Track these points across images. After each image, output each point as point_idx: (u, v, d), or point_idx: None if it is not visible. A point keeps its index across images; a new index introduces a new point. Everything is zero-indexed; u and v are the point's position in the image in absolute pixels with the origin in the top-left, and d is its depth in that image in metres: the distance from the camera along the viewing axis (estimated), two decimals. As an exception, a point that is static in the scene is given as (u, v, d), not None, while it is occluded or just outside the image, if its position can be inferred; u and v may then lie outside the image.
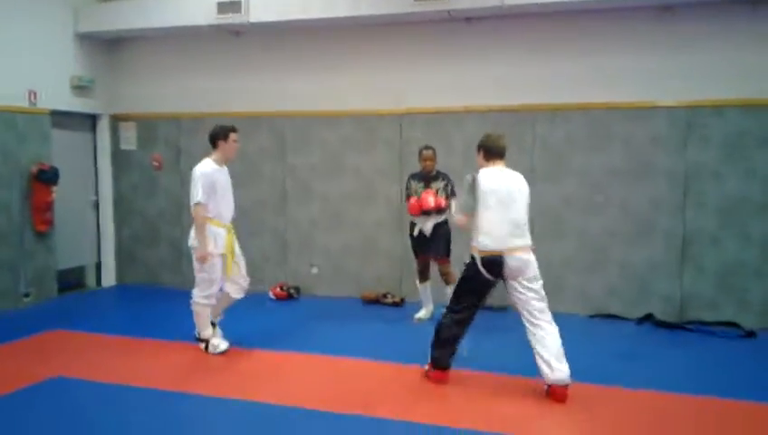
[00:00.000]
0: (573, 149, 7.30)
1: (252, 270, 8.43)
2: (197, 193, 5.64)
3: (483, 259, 4.83)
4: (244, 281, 6.10)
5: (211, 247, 5.72)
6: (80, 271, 8.91)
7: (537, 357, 4.85)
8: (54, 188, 7.82)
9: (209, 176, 5.69)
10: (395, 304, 7.63)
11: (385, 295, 7.75)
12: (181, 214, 8.77)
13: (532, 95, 7.36)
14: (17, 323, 7.05)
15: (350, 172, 8.08)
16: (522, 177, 5.02)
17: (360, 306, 7.73)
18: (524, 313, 4.91)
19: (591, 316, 7.31)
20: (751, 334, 6.57)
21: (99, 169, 9.02)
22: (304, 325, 6.92)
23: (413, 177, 7.02)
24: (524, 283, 4.85)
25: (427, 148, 6.92)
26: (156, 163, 8.82)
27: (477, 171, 4.94)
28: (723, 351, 6.19)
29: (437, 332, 5.13)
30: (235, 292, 6.07)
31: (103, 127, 8.99)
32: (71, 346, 6.24)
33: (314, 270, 8.27)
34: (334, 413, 4.64)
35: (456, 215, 5.20)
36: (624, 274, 7.24)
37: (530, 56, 7.36)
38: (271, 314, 6.64)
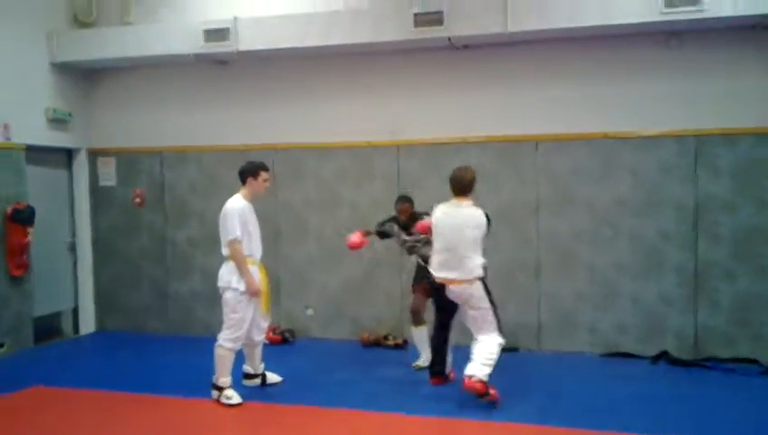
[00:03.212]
0: (579, 180, 7.04)
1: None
2: (234, 229, 5.52)
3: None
4: (265, 322, 5.94)
5: (258, 282, 5.59)
6: (56, 317, 8.36)
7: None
8: (30, 230, 7.32)
9: (242, 211, 5.59)
10: (397, 347, 7.24)
11: (386, 337, 7.37)
12: (165, 253, 8.31)
13: (535, 125, 7.09)
14: (-7, 377, 6.50)
15: (346, 207, 7.71)
16: (474, 213, 5.52)
17: (359, 350, 7.32)
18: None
19: (603, 355, 7.00)
20: (771, 371, 6.35)
21: (76, 208, 8.51)
22: (306, 374, 6.49)
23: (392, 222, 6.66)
24: (467, 307, 5.57)
25: (401, 199, 6.65)
26: (138, 200, 8.35)
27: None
28: (746, 390, 5.92)
29: None
30: (258, 334, 5.89)
31: (80, 162, 8.52)
32: (55, 405, 5.71)
33: (309, 312, 7.86)
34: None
35: None
36: (635, 309, 6.96)
37: (532, 84, 7.10)
38: (267, 362, 6.23)
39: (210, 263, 8.15)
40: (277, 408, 5.58)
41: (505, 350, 7.10)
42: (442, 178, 7.32)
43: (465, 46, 7.16)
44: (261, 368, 6.07)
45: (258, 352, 6.00)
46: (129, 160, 8.42)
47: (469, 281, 5.44)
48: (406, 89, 7.47)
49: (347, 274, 7.73)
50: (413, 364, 6.57)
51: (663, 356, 6.79)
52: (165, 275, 8.33)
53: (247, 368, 6.04)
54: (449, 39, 6.84)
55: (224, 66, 7.97)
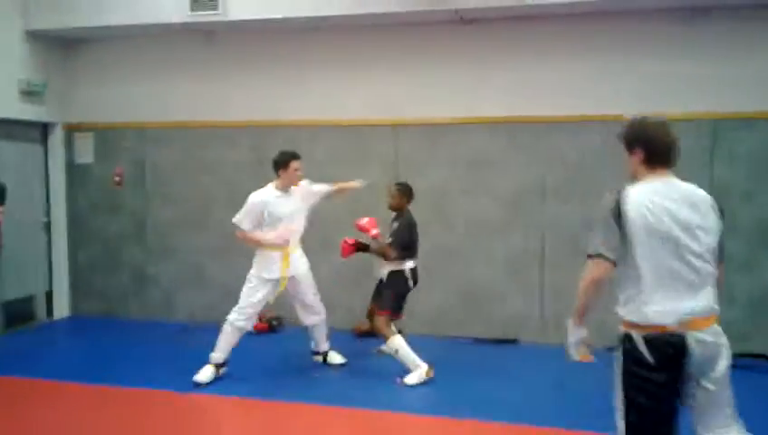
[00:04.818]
0: (589, 165, 6.66)
1: (227, 300, 7.55)
2: (237, 215, 5.68)
3: (646, 338, 2.88)
4: (316, 307, 6.00)
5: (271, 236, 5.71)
6: (28, 301, 7.83)
7: None
8: (1, 209, 6.80)
9: (262, 203, 5.65)
10: (392, 337, 6.84)
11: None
12: (145, 235, 7.83)
13: (546, 106, 6.70)
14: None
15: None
16: (704, 193, 3.02)
17: (353, 340, 6.92)
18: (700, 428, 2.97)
19: (609, 348, 6.64)
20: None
21: (50, 186, 7.99)
22: (298, 365, 6.09)
23: None
24: (706, 381, 2.91)
25: (396, 184, 6.03)
26: (117, 178, 7.86)
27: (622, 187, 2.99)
28: (755, 387, 5.58)
29: None
30: (305, 316, 5.98)
31: (56, 138, 7.99)
32: (28, 399, 5.21)
33: None
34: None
35: (586, 272, 3.05)
36: (643, 301, 6.62)
37: (541, 62, 6.70)
38: (254, 352, 5.84)
39: (193, 246, 7.73)
40: (255, 403, 5.23)
41: (504, 341, 6.82)
42: (444, 162, 7.00)
43: (471, 20, 6.73)
44: (323, 347, 6.14)
45: (318, 332, 6.08)
46: (108, 137, 7.91)
47: (717, 318, 2.96)
48: (407, 65, 7.03)
49: (339, 260, 7.29)
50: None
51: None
52: (145, 258, 7.86)
53: (311, 345, 6.20)
54: (456, 12, 6.42)
55: (211, 37, 7.47)
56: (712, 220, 2.95)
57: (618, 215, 2.89)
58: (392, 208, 5.98)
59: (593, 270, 2.97)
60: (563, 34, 6.63)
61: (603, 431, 4.48)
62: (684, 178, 6.36)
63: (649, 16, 6.40)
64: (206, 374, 5.55)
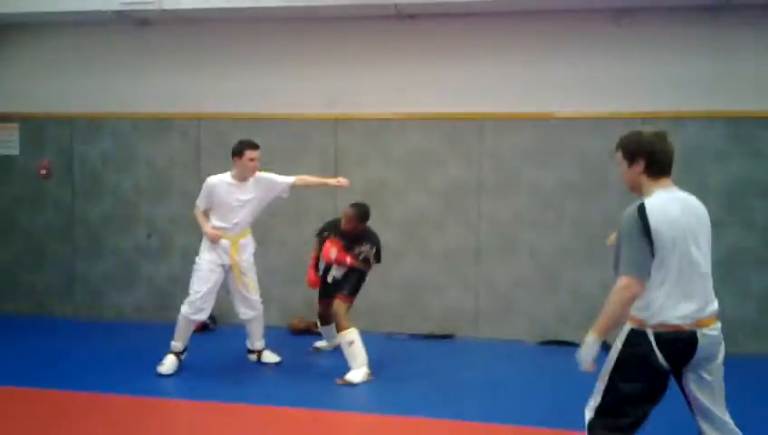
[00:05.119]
0: (524, 162, 6.76)
1: (161, 297, 7.39)
2: (198, 198, 5.74)
3: (659, 337, 3.03)
4: (254, 301, 5.88)
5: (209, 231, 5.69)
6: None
7: None
8: None
9: (212, 186, 5.67)
10: (329, 334, 6.77)
11: (317, 324, 6.86)
12: (73, 231, 7.56)
13: (481, 103, 6.77)
14: None
15: (276, 184, 7.18)
16: (701, 204, 3.23)
17: (288, 338, 6.81)
18: (701, 418, 3.18)
19: (541, 343, 6.75)
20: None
21: (-31, 179, 7.65)
22: (232, 365, 5.96)
23: (333, 229, 5.91)
24: (704, 372, 3.12)
25: (352, 205, 5.82)
26: (43, 171, 7.56)
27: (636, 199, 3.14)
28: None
29: None
30: (242, 310, 5.85)
31: (-23, 128, 7.66)
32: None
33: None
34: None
35: (620, 291, 3.06)
36: (576, 296, 6.74)
37: (478, 60, 6.78)
38: (188, 352, 5.67)
39: (124, 242, 7.51)
40: (188, 404, 5.11)
41: (441, 336, 6.84)
42: (382, 157, 6.99)
43: (410, 16, 6.77)
44: (258, 345, 6.01)
45: (253, 328, 5.96)
46: (34, 127, 7.62)
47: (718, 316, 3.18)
48: (347, 60, 6.99)
49: (274, 255, 7.20)
50: (315, 344, 6.42)
51: (602, 345, 6.58)
52: (72, 255, 7.58)
53: (247, 343, 6.06)
54: (396, 7, 6.44)
55: (145, 26, 7.29)
56: (707, 228, 3.19)
57: (644, 230, 3.03)
58: (347, 231, 5.78)
59: (628, 289, 3.06)
60: (498, 32, 6.72)
61: (539, 426, 4.58)
62: (616, 175, 6.53)
63: (581, 16, 6.55)
64: (168, 365, 5.55)
